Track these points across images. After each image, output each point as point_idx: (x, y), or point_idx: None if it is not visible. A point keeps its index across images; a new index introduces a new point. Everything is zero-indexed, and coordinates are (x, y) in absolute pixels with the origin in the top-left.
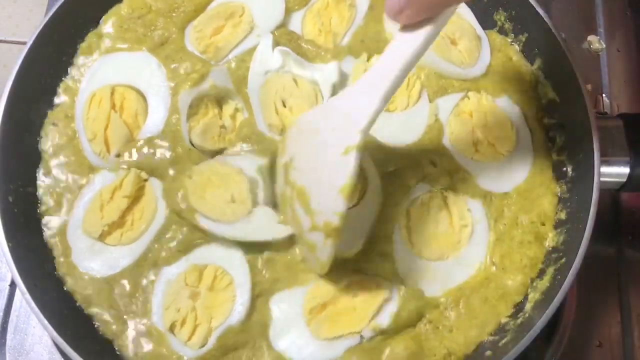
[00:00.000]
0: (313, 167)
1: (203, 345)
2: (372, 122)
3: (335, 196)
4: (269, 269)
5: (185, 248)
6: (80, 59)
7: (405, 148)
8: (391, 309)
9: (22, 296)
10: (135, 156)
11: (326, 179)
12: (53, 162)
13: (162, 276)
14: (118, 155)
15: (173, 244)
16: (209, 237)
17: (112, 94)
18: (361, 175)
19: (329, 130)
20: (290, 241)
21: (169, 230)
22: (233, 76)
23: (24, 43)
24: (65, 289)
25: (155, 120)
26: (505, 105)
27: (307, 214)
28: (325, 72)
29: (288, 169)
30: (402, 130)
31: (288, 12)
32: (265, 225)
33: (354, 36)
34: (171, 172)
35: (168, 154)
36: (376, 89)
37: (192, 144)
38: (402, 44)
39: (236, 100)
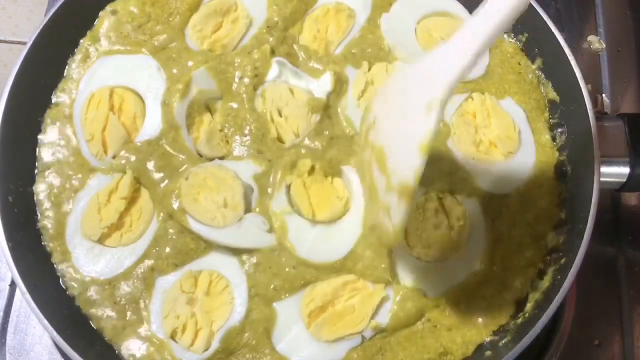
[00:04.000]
0: (395, 125)
1: (207, 349)
2: (460, 78)
3: (413, 152)
4: (260, 272)
5: (183, 258)
6: (79, 60)
7: None
8: (389, 307)
9: (22, 296)
10: (132, 159)
11: (406, 135)
12: (51, 163)
13: (157, 285)
14: (114, 157)
15: (168, 249)
16: (201, 241)
17: (111, 95)
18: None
19: (415, 87)
20: (277, 247)
21: (165, 234)
22: (215, 76)
23: (24, 43)
24: (65, 288)
25: (153, 123)
26: (509, 106)
27: (383, 174)
28: (320, 82)
29: (369, 130)
30: None
31: None
32: (253, 233)
33: (348, 47)
34: (161, 175)
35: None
36: (468, 45)
37: (200, 155)
38: (497, 2)
39: (222, 100)
